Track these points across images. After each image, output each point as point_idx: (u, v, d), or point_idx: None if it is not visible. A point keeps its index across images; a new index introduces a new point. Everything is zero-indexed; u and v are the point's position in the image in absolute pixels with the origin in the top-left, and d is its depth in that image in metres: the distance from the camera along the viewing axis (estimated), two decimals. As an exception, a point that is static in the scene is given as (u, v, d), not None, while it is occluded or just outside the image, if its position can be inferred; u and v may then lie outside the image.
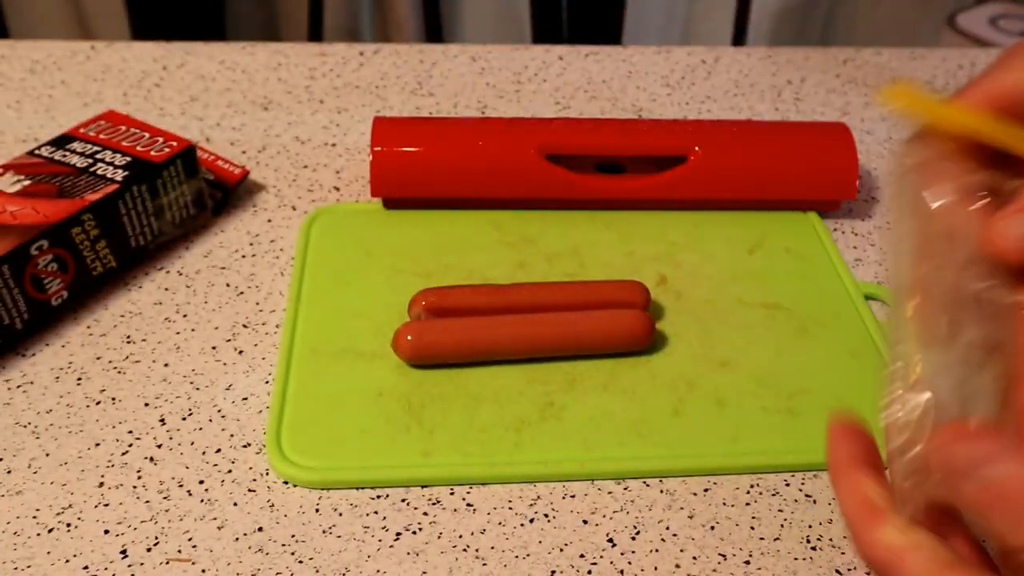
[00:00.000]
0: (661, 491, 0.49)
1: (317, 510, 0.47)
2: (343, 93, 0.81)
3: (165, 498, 0.48)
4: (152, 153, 0.61)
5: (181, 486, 0.48)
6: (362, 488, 0.48)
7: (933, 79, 0.88)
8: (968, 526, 0.32)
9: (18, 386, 0.53)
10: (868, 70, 0.89)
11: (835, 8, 1.94)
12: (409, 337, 0.53)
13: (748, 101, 0.84)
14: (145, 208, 0.60)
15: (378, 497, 0.48)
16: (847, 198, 0.67)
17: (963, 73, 0.89)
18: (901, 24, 1.90)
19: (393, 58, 0.87)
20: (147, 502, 0.47)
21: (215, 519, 0.47)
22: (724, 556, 0.46)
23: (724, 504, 0.49)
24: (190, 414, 0.52)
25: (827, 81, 0.87)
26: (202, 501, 0.47)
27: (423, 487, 0.49)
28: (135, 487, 0.48)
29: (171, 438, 0.51)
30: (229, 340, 0.57)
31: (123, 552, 0.45)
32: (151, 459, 0.49)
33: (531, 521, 0.47)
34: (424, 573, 0.45)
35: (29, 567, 0.44)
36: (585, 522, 0.47)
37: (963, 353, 0.33)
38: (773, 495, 0.49)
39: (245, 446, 0.50)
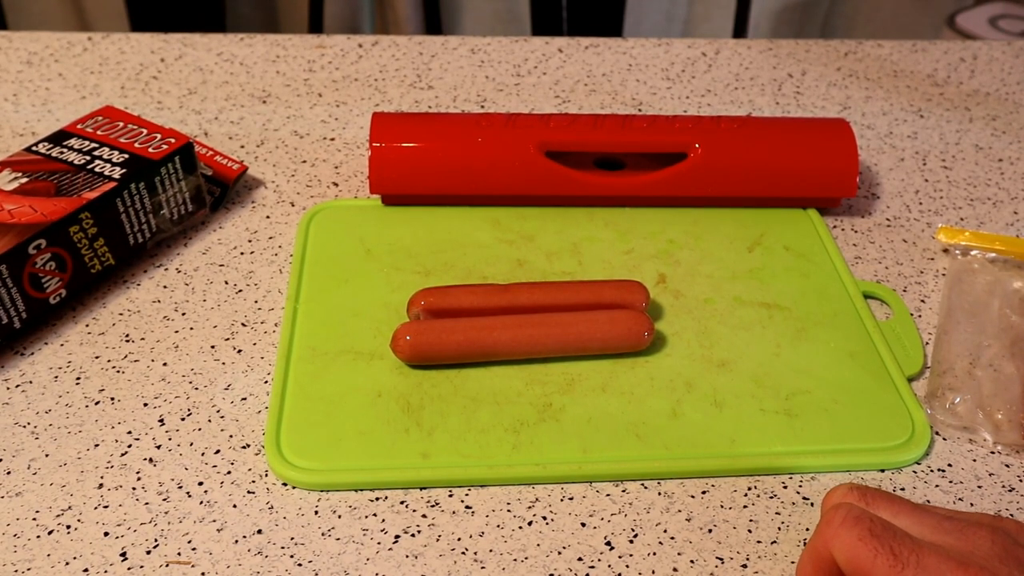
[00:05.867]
0: (659, 493, 0.49)
1: (316, 512, 0.47)
2: (342, 86, 0.81)
3: (164, 500, 0.48)
4: (150, 150, 0.60)
5: (180, 487, 0.48)
6: (361, 490, 0.49)
7: (935, 72, 0.88)
8: None
9: (17, 385, 0.53)
10: (869, 63, 0.88)
11: (834, 8, 1.94)
12: (408, 337, 0.53)
13: (748, 95, 0.83)
14: (143, 205, 0.60)
15: (377, 499, 0.48)
16: (847, 195, 0.67)
17: (964, 67, 0.89)
18: (900, 24, 1.89)
19: (392, 50, 0.86)
20: (147, 504, 0.47)
21: (214, 521, 0.47)
22: (721, 559, 0.46)
23: (722, 507, 0.49)
24: (189, 414, 0.52)
25: (828, 74, 0.86)
26: (201, 503, 0.48)
27: (422, 489, 0.49)
28: (134, 488, 0.48)
29: (170, 439, 0.51)
30: (228, 339, 0.57)
31: (123, 555, 0.45)
32: (150, 460, 0.50)
33: (529, 524, 0.47)
34: (423, 576, 0.45)
35: (29, 569, 0.44)
36: (583, 524, 0.48)
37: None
38: (771, 498, 0.49)
39: (244, 447, 0.50)
